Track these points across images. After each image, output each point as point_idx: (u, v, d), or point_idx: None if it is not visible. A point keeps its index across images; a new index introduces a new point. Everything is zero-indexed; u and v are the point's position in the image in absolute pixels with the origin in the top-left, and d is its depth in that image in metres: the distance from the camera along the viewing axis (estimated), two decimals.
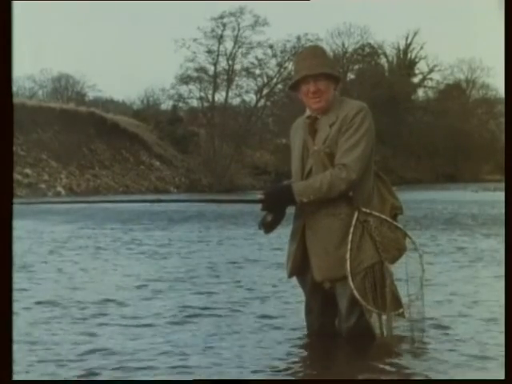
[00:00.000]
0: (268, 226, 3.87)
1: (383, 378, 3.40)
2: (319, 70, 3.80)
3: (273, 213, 3.83)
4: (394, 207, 3.88)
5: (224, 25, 39.63)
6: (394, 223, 3.84)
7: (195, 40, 39.53)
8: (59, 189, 31.81)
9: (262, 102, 41.62)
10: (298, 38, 40.38)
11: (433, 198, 24.84)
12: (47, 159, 33.53)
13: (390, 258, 3.76)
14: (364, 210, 3.76)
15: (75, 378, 3.41)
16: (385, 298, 3.73)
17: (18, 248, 8.58)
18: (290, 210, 3.92)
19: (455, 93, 56.51)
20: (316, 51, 3.92)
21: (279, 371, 3.50)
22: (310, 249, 3.84)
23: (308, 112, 3.95)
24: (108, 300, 5.38)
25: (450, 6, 71.40)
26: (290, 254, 3.97)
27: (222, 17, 39.43)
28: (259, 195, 3.82)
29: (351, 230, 3.71)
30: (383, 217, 3.81)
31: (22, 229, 11.72)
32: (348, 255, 3.70)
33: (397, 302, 3.80)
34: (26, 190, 29.51)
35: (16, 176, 28.27)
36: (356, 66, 53.38)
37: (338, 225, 3.75)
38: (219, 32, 39.75)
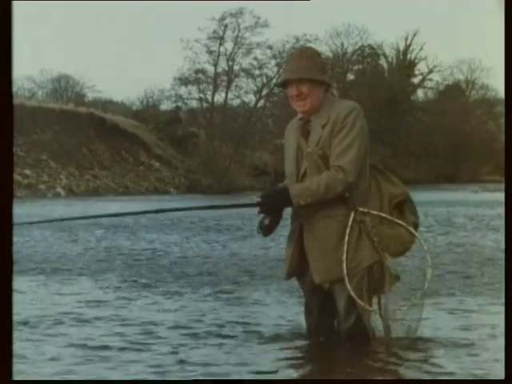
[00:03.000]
0: (266, 230, 3.87)
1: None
2: (298, 75, 3.79)
3: (270, 216, 3.83)
4: (392, 197, 3.84)
5: (225, 26, 39.61)
6: (395, 220, 3.80)
7: (197, 40, 39.51)
8: (59, 189, 31.80)
9: (262, 102, 41.62)
10: (297, 39, 40.37)
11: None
12: (47, 160, 33.51)
13: (392, 254, 3.74)
14: (361, 209, 3.74)
15: (75, 379, 3.42)
16: (383, 293, 3.73)
17: None
18: (287, 212, 3.92)
19: (455, 93, 56.46)
20: (303, 54, 3.88)
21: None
22: (307, 251, 3.82)
23: (300, 114, 3.94)
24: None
25: (450, 6, 71.47)
26: (287, 256, 3.97)
27: (223, 18, 39.41)
28: (256, 198, 3.81)
29: (347, 231, 3.70)
30: (382, 215, 3.78)
31: None
32: (344, 256, 3.69)
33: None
34: (26, 191, 29.50)
35: (15, 177, 28.25)
36: (356, 67, 53.40)
37: (334, 226, 3.74)
38: (220, 33, 39.74)
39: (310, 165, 3.78)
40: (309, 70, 3.80)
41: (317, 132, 3.80)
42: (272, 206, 3.80)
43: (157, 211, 4.16)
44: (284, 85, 3.92)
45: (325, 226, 3.76)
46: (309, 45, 33.00)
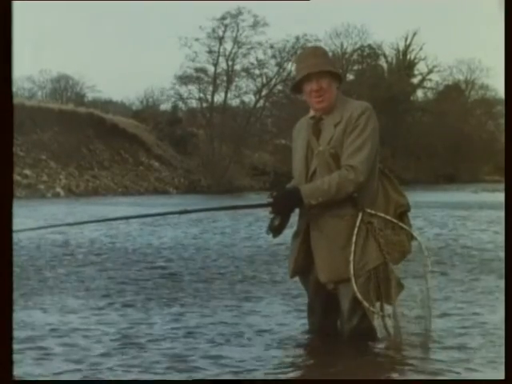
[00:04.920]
0: (276, 230, 3.86)
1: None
2: (321, 68, 3.80)
3: (281, 216, 3.82)
4: (398, 205, 3.86)
5: (225, 26, 39.58)
6: (400, 224, 3.82)
7: (197, 39, 39.48)
8: (58, 189, 31.77)
9: (261, 102, 41.58)
10: (297, 39, 40.35)
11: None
12: (46, 160, 33.48)
13: (392, 260, 3.75)
14: (369, 211, 3.74)
15: (75, 379, 3.42)
16: (390, 296, 3.73)
17: None
18: (294, 213, 3.91)
19: (454, 93, 56.48)
20: (316, 51, 3.94)
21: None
22: (314, 250, 3.82)
23: (312, 112, 3.93)
24: None
25: (450, 6, 71.42)
26: (293, 255, 3.96)
27: (223, 17, 39.39)
28: (268, 199, 3.80)
29: (355, 231, 3.71)
30: (388, 218, 3.79)
31: None
32: (352, 257, 3.69)
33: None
34: (26, 191, 29.48)
35: (15, 177, 28.23)
36: (355, 67, 53.41)
37: (342, 226, 3.75)
38: (220, 33, 39.72)
39: (320, 163, 3.78)
40: (327, 65, 3.84)
41: (329, 131, 3.80)
42: (284, 207, 3.79)
43: (181, 212, 4.17)
44: (300, 83, 3.89)
45: (333, 226, 3.76)
46: (309, 45, 33.01)
